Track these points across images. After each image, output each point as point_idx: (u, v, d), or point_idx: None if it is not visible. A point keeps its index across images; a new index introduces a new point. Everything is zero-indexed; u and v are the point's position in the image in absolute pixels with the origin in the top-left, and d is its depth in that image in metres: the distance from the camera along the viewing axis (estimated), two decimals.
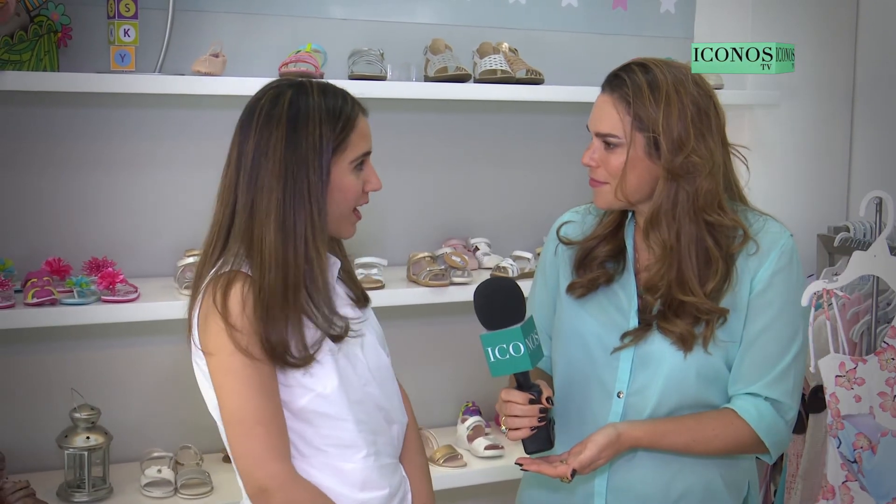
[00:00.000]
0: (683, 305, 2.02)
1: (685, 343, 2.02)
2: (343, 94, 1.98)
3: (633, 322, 2.08)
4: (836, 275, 2.98)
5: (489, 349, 1.93)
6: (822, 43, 3.68)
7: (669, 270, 2.03)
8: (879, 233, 2.93)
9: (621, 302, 2.11)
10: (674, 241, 2.03)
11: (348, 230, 2.00)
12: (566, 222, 2.25)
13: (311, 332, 1.91)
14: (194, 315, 1.94)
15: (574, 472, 1.95)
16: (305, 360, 1.91)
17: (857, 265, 2.86)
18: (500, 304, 1.96)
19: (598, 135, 2.06)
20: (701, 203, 2.02)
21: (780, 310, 2.05)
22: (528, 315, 1.97)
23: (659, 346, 2.05)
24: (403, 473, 2.13)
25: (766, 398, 2.04)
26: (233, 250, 1.92)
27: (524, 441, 1.99)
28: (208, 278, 1.92)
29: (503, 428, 2.04)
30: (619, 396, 2.07)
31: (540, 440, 1.99)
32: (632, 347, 2.06)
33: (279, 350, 1.87)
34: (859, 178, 3.75)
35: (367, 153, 1.98)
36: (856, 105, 3.77)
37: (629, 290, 2.11)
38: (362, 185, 1.97)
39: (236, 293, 1.86)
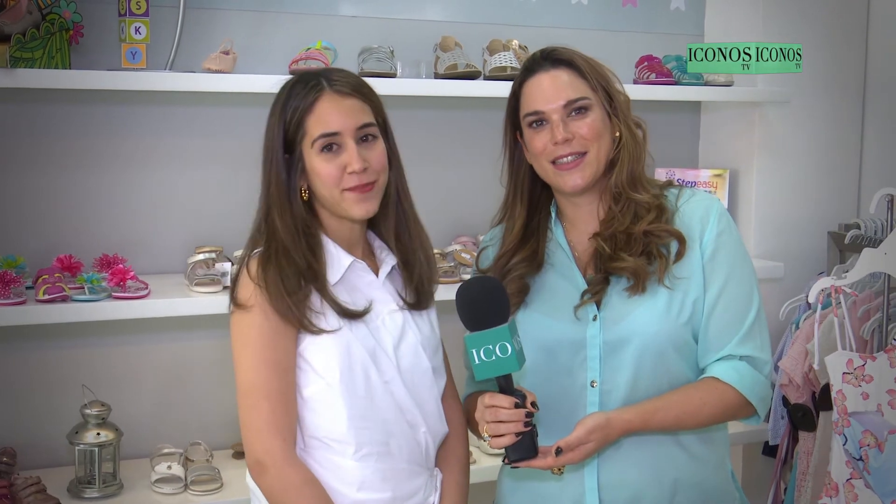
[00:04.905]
0: (632, 238, 2.04)
1: (639, 278, 2.02)
2: (313, 80, 2.03)
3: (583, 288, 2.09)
4: (845, 272, 2.98)
5: (474, 350, 1.87)
6: (833, 40, 3.67)
7: (625, 216, 2.07)
8: (891, 230, 2.93)
9: (569, 292, 2.10)
10: (617, 187, 2.09)
11: (350, 210, 2.02)
12: (484, 248, 2.27)
13: (323, 306, 2.00)
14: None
15: (559, 450, 1.92)
16: (316, 327, 1.97)
17: (867, 262, 2.86)
18: (486, 303, 1.90)
19: (566, 105, 2.06)
20: (644, 155, 2.13)
21: (731, 268, 2.07)
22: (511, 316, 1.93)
23: (622, 312, 2.04)
24: (436, 484, 2.13)
25: (741, 357, 2.05)
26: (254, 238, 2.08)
27: (507, 449, 1.92)
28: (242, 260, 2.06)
29: (484, 436, 1.94)
30: (592, 386, 2.05)
31: (524, 447, 1.91)
32: (598, 336, 2.04)
33: (285, 304, 1.96)
34: (870, 176, 3.74)
35: (327, 134, 1.99)
36: (867, 102, 3.76)
37: (575, 280, 2.11)
38: (339, 168, 1.99)
39: (254, 264, 2.00)
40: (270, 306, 1.96)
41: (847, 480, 2.74)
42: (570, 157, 2.05)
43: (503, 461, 1.97)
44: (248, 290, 1.98)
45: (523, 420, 1.90)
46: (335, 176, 1.99)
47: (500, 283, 1.96)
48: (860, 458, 2.71)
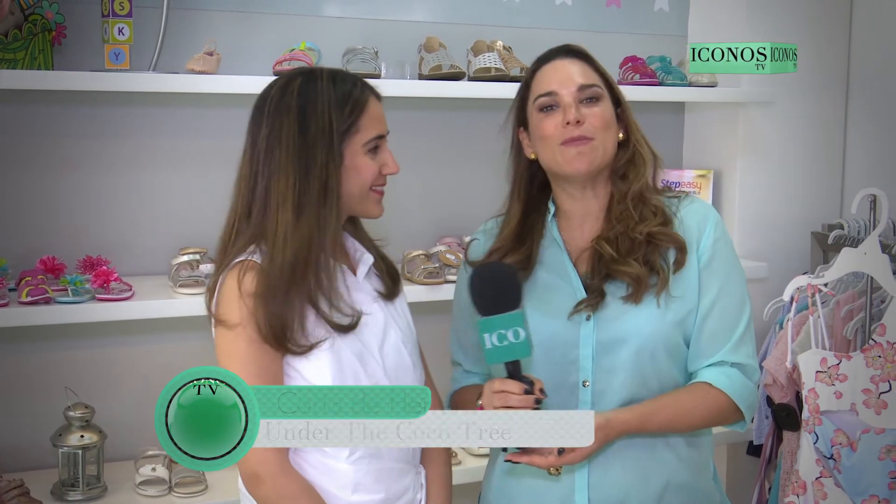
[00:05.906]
0: (635, 244, 2.05)
1: (639, 286, 2.03)
2: (353, 80, 2.03)
3: (582, 294, 2.09)
4: (825, 272, 2.99)
5: (486, 335, 1.87)
6: (817, 40, 3.68)
7: (628, 215, 2.08)
8: (873, 230, 2.94)
9: (564, 289, 2.11)
10: (633, 194, 2.10)
11: (372, 209, 2.05)
12: (474, 239, 2.29)
13: (312, 321, 1.95)
14: (213, 300, 1.99)
15: (561, 451, 1.92)
16: (304, 348, 1.94)
17: (846, 262, 2.87)
18: (501, 287, 1.91)
19: (579, 89, 2.08)
20: (649, 160, 2.14)
21: (726, 277, 2.09)
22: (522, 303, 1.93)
23: (616, 313, 2.05)
24: (422, 481, 2.14)
25: (732, 364, 2.08)
26: (248, 238, 1.98)
27: None
28: (228, 266, 1.97)
29: None
30: (584, 385, 2.07)
31: None
32: (592, 336, 2.05)
33: (279, 332, 1.91)
34: (853, 176, 3.76)
35: (380, 136, 2.02)
36: (850, 102, 3.77)
37: (569, 277, 2.11)
38: (378, 168, 2.02)
39: (250, 280, 1.93)
40: (261, 334, 1.92)
41: (816, 479, 2.75)
42: (578, 141, 2.07)
43: (502, 451, 1.97)
44: (234, 307, 1.93)
45: (533, 406, 1.90)
46: (375, 175, 2.02)
47: (514, 268, 1.99)
48: (831, 457, 2.72)
